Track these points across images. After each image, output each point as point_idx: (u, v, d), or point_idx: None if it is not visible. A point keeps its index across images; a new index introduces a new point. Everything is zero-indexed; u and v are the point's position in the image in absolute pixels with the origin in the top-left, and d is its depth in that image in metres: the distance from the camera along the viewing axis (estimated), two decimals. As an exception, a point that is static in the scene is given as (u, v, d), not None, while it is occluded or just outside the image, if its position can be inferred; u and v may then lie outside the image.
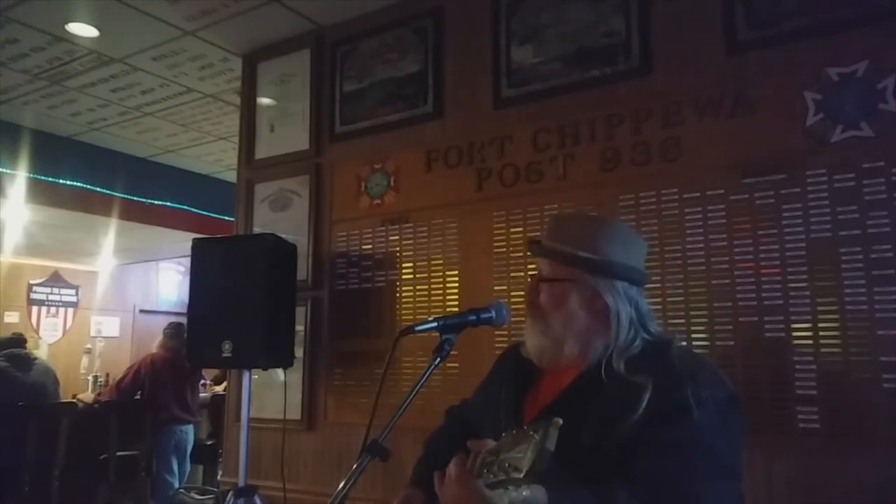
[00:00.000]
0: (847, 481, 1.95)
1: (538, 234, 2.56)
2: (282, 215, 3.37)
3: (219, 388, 5.83)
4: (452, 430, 1.58)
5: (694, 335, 2.24)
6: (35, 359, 4.81)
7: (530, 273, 2.59)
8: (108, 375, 6.75)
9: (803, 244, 2.12)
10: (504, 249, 2.68)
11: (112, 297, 8.92)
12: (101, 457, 4.44)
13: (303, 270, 3.11)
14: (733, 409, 1.19)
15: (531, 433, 0.95)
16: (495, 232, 2.71)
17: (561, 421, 0.94)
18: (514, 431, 1.00)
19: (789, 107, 2.18)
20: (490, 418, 1.40)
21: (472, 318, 1.37)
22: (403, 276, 2.94)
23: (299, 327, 3.04)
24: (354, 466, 1.20)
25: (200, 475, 5.48)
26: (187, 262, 3.01)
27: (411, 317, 2.87)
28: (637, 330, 1.27)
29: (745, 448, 1.19)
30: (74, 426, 4.31)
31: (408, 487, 1.44)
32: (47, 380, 4.72)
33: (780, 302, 2.13)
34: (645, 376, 1.17)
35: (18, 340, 4.84)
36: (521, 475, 0.93)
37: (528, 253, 1.45)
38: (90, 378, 6.89)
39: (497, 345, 2.36)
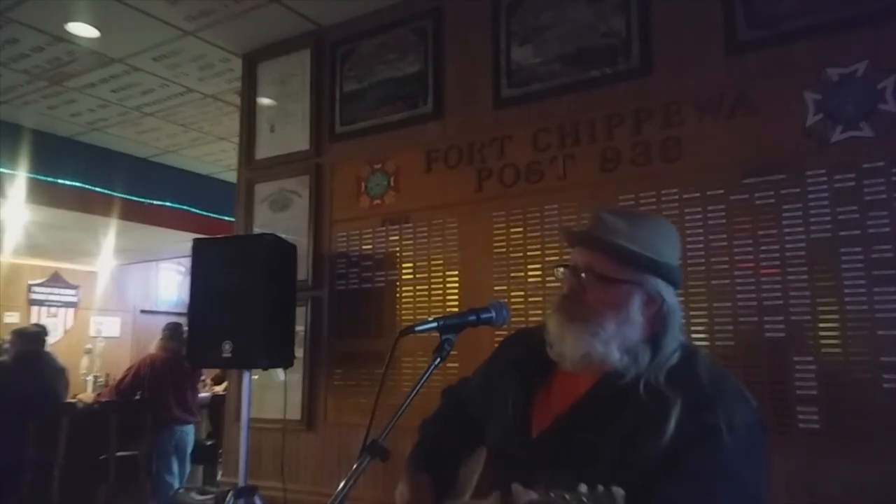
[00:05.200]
0: (847, 481, 1.95)
1: (538, 230, 2.59)
2: (282, 215, 3.37)
3: (219, 388, 5.83)
4: (450, 414, 1.52)
5: (694, 335, 2.24)
6: (47, 358, 4.79)
7: (531, 273, 2.59)
8: (108, 376, 6.75)
9: (803, 244, 2.12)
10: (504, 249, 2.68)
11: (112, 297, 8.93)
12: (101, 457, 4.44)
13: (303, 270, 3.11)
14: (762, 434, 1.15)
15: None
16: (495, 232, 2.71)
17: (623, 493, 0.87)
18: (566, 496, 0.89)
19: (789, 107, 2.18)
20: (495, 413, 1.35)
21: (472, 318, 1.35)
22: (403, 276, 2.94)
23: (299, 327, 3.04)
24: (354, 466, 1.19)
25: (200, 475, 5.47)
26: (187, 262, 3.02)
27: (411, 317, 2.87)
28: (678, 339, 1.22)
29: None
30: (74, 426, 4.31)
31: (407, 475, 1.39)
32: (55, 381, 4.72)
33: (780, 302, 2.13)
34: (674, 392, 1.12)
35: (38, 337, 4.80)
36: None
37: (577, 243, 1.29)
38: (90, 378, 6.88)
39: (497, 345, 2.36)
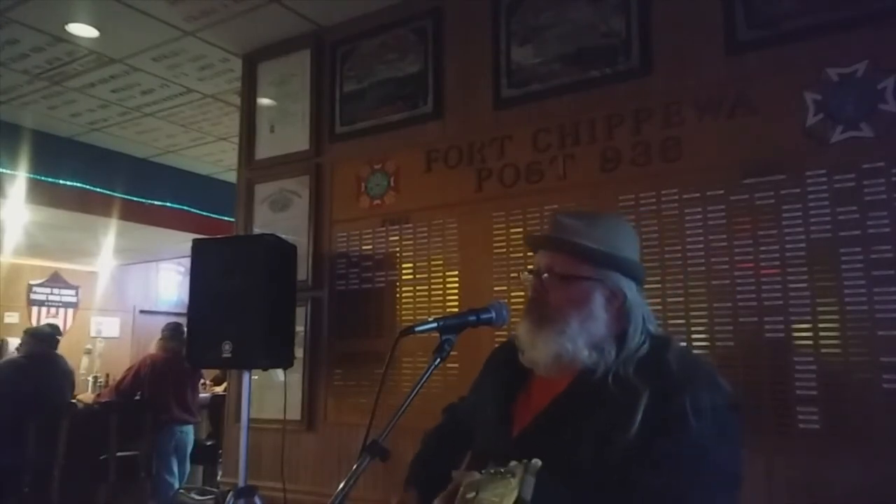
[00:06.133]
0: (847, 481, 1.95)
1: (539, 230, 2.58)
2: (282, 215, 3.37)
3: (219, 389, 5.83)
4: (445, 430, 1.56)
5: (694, 336, 2.24)
6: (57, 360, 4.79)
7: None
8: (108, 376, 6.74)
9: (803, 244, 2.12)
10: (504, 249, 2.68)
11: (112, 297, 8.92)
12: (101, 457, 4.44)
13: (303, 270, 3.11)
14: (732, 415, 1.16)
15: (509, 476, 0.93)
16: (495, 232, 2.71)
17: (540, 463, 0.91)
18: (492, 471, 0.97)
19: (789, 107, 2.18)
20: (481, 420, 1.37)
21: (472, 318, 1.35)
22: (403, 277, 2.94)
23: (299, 327, 3.04)
24: (354, 467, 1.20)
25: (200, 475, 5.48)
26: (187, 262, 3.02)
27: (411, 317, 2.87)
28: (645, 331, 1.24)
29: (742, 450, 1.17)
30: (74, 426, 4.31)
31: (403, 490, 1.43)
32: (63, 382, 4.71)
33: (780, 302, 2.13)
34: (643, 382, 1.14)
35: (50, 338, 4.80)
36: None
37: (537, 247, 1.34)
38: (90, 379, 6.88)
39: (496, 346, 2.36)
